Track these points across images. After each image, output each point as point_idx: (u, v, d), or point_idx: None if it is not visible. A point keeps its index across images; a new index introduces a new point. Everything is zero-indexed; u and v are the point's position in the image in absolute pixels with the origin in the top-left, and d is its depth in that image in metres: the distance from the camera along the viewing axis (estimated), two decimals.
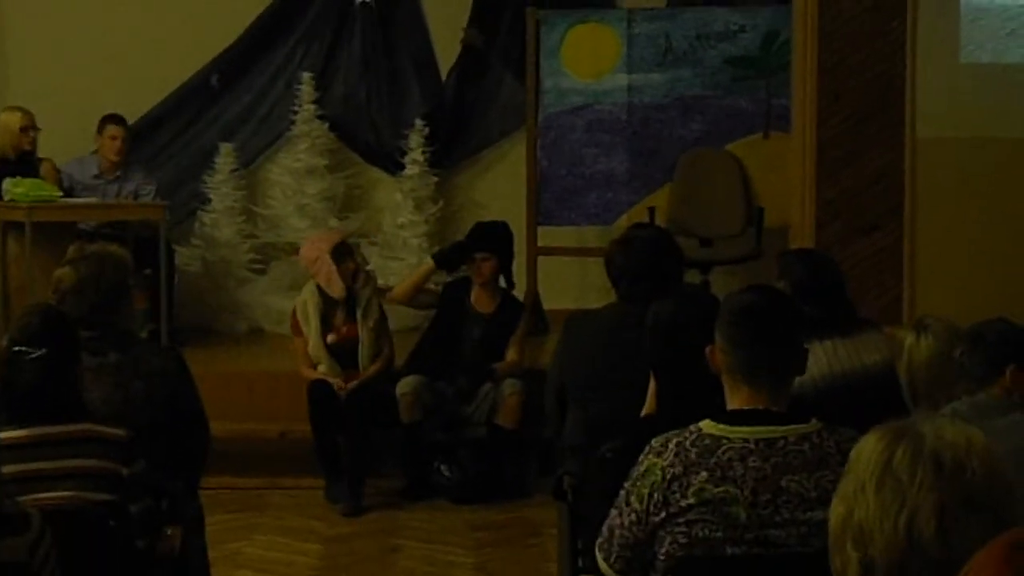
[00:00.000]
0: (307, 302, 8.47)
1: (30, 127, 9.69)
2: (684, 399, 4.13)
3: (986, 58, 9.00)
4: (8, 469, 3.75)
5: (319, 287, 8.44)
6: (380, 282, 9.40)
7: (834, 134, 8.66)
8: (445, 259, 8.82)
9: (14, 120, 9.67)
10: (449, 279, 8.91)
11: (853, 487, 2.43)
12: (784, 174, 9.19)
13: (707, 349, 3.72)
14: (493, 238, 8.69)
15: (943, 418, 2.58)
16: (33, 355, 4.22)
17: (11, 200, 9.06)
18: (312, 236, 9.07)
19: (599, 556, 3.80)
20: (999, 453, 2.48)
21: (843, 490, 2.46)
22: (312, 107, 10.82)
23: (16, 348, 4.24)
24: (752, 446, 3.57)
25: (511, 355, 8.53)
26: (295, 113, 10.86)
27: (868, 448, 2.46)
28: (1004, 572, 2.03)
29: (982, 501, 2.38)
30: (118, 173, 9.89)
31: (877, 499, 2.38)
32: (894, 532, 2.35)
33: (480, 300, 8.61)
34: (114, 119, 9.89)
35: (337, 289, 8.41)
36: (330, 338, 8.40)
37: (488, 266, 8.57)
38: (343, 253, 8.47)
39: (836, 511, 2.46)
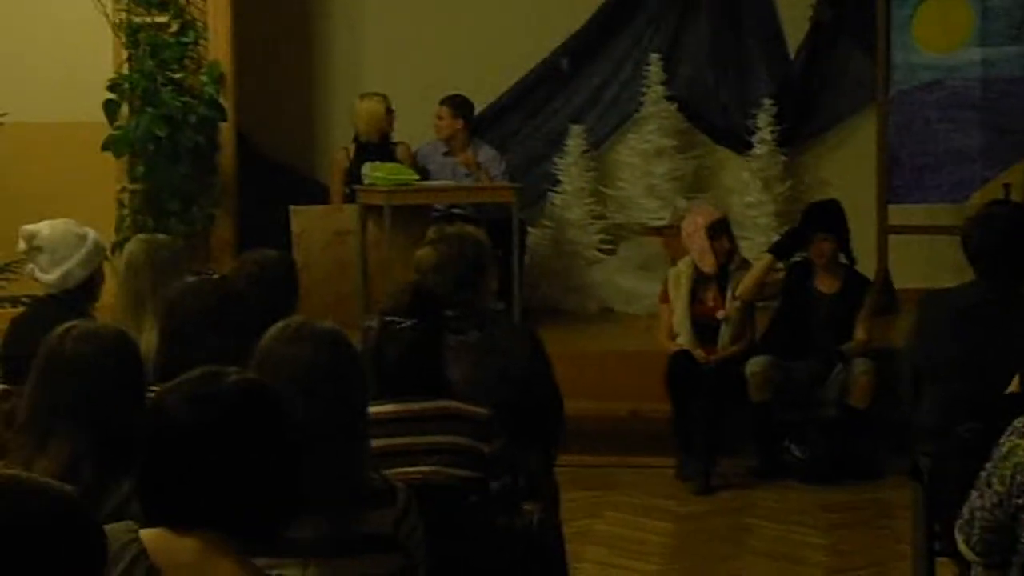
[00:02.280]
0: (681, 273, 8.59)
1: (391, 111, 9.95)
2: None
3: None
4: (376, 443, 3.87)
5: (704, 262, 8.53)
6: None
7: None
8: (782, 249, 8.79)
9: (379, 106, 9.94)
10: (791, 262, 8.84)
11: None
12: None
13: None
14: (827, 217, 8.63)
15: None
16: (404, 325, 4.35)
17: (371, 184, 9.34)
18: (694, 209, 9.16)
19: (959, 538, 3.76)
20: None
21: None
22: (660, 88, 10.85)
23: (388, 319, 4.38)
24: None
25: (859, 333, 8.44)
26: (643, 94, 10.92)
27: None
28: None
29: None
30: (467, 153, 10.06)
31: None
32: None
33: (823, 280, 8.55)
34: (445, 100, 10.09)
35: (707, 264, 8.52)
36: (695, 312, 8.47)
37: (826, 246, 8.50)
38: (718, 230, 8.57)
39: None
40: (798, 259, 8.72)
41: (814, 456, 8.32)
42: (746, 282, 8.64)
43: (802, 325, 8.48)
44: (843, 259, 8.62)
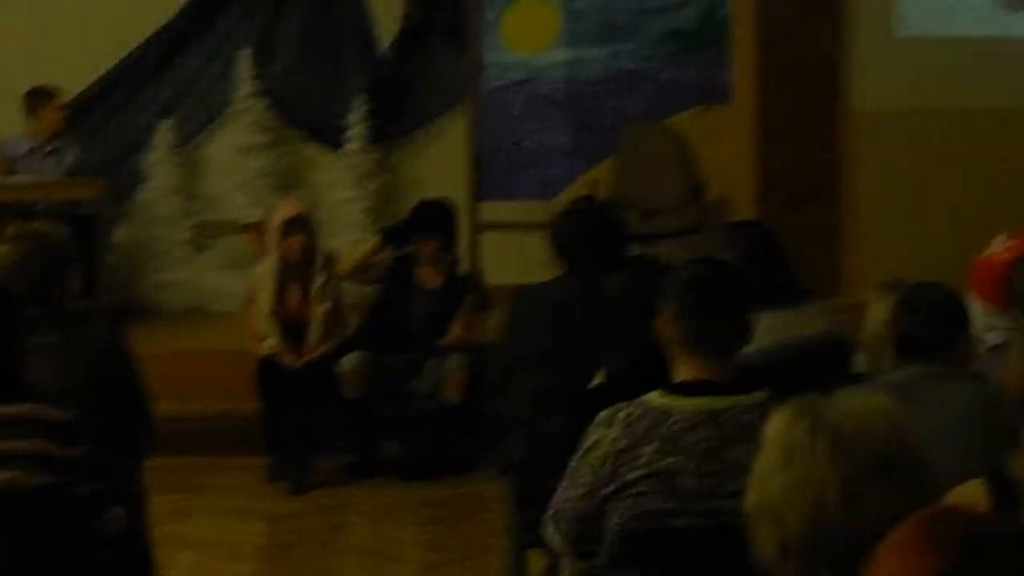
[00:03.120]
0: (265, 273, 8.43)
1: None
2: (633, 371, 4.13)
3: (922, 32, 9.05)
4: None
5: (279, 260, 8.39)
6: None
7: (774, 107, 8.69)
8: (391, 236, 8.81)
9: None
10: (397, 254, 8.88)
11: (763, 468, 2.44)
12: (725, 146, 9.21)
13: (655, 321, 3.72)
14: (432, 217, 8.68)
15: (852, 390, 2.58)
16: None
17: None
18: (277, 206, 9.04)
19: (549, 529, 3.80)
20: (915, 424, 2.48)
21: (756, 472, 2.47)
22: (251, 84, 10.75)
23: None
24: (699, 417, 3.57)
25: (456, 329, 8.52)
26: (234, 90, 10.79)
27: (774, 427, 2.47)
28: (922, 548, 1.92)
29: (888, 469, 2.38)
30: (52, 147, 9.77)
31: (784, 478, 2.39)
32: (802, 509, 2.37)
33: (426, 276, 8.59)
34: (48, 93, 9.79)
35: (276, 260, 8.36)
36: (281, 313, 8.35)
37: (431, 244, 8.54)
38: (293, 226, 8.40)
39: (750, 493, 2.46)
40: (403, 253, 8.74)
41: (410, 452, 8.36)
42: (349, 260, 8.63)
43: (401, 319, 8.50)
44: (448, 257, 8.69)
